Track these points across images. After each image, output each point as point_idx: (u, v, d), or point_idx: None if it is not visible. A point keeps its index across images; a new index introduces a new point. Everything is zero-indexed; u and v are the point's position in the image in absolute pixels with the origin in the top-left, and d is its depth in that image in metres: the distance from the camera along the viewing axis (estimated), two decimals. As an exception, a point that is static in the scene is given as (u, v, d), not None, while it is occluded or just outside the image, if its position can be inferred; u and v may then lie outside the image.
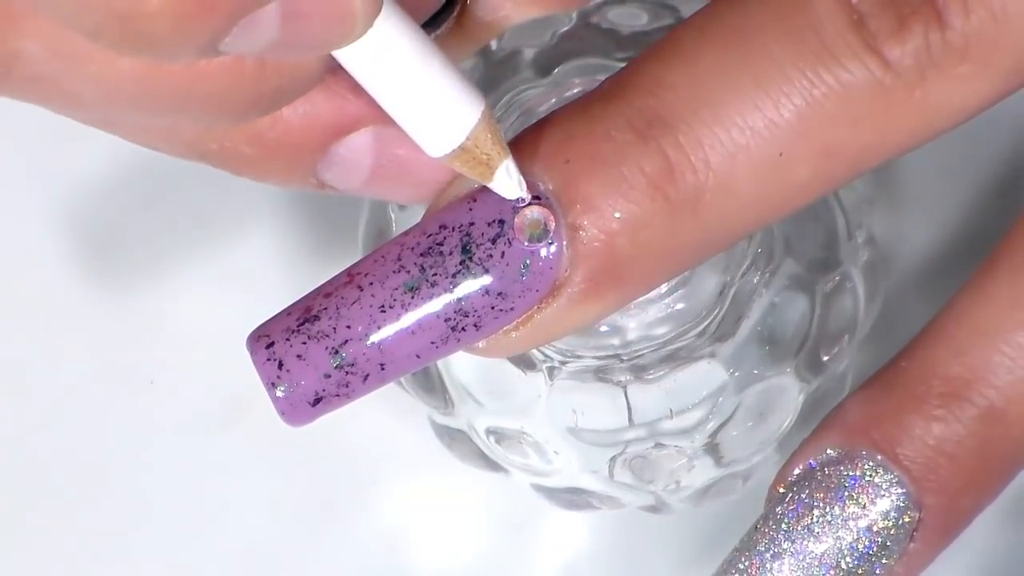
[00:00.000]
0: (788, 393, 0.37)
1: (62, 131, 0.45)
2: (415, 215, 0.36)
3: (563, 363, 0.37)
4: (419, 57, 0.28)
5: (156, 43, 0.25)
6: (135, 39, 0.24)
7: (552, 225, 0.29)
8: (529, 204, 0.29)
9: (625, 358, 0.37)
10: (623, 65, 0.31)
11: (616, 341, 0.37)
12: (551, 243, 0.29)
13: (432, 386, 0.38)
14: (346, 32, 0.26)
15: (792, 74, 0.28)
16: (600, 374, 0.37)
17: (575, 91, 0.37)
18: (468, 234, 0.29)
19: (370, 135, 0.30)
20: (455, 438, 0.40)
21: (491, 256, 0.29)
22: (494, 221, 0.29)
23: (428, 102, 0.28)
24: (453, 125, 0.28)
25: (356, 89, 0.29)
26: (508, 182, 0.29)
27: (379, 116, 0.29)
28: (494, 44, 0.37)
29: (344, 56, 0.28)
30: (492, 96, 0.37)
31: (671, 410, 0.37)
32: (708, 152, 0.29)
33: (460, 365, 0.38)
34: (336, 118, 0.30)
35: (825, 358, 0.38)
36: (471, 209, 0.30)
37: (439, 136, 0.28)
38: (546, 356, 0.37)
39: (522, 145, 0.30)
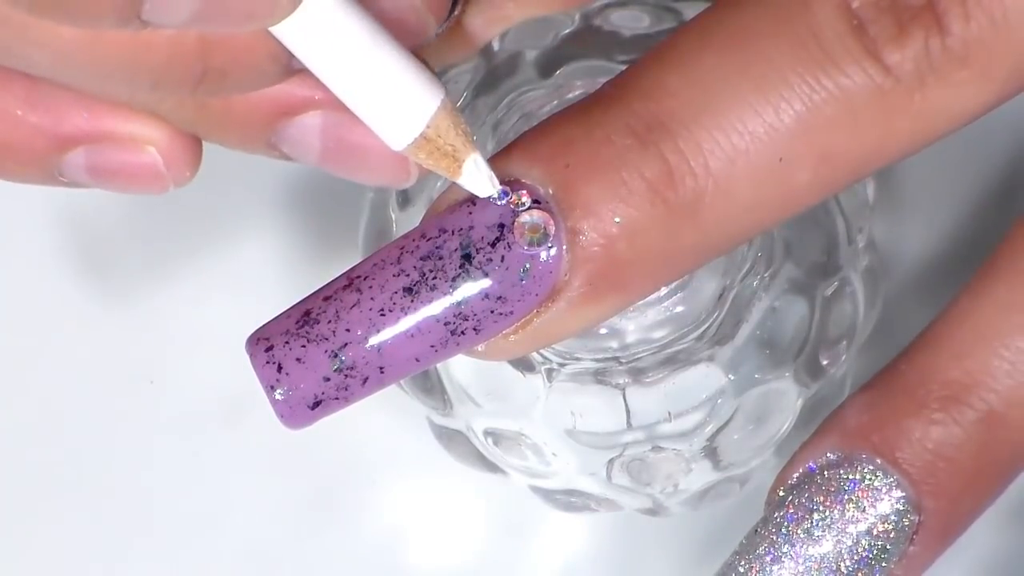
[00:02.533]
0: (787, 397, 0.37)
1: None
2: (415, 216, 0.37)
3: (562, 365, 0.37)
4: (371, 43, 0.28)
5: (72, 8, 0.25)
6: (50, 4, 0.25)
7: (552, 229, 0.29)
8: (529, 208, 0.29)
9: (624, 361, 0.37)
10: (625, 67, 0.31)
11: (615, 344, 0.37)
12: (550, 247, 0.29)
13: (431, 387, 0.38)
14: (270, 6, 0.26)
15: (792, 79, 0.28)
16: (599, 376, 0.37)
17: (577, 93, 0.37)
18: (468, 238, 0.29)
19: (319, 118, 0.30)
20: (453, 439, 0.40)
21: (491, 260, 0.29)
22: (494, 225, 0.29)
23: (382, 90, 0.28)
24: (412, 113, 0.28)
25: (307, 73, 0.28)
26: (478, 177, 0.29)
27: (330, 101, 0.29)
28: (496, 45, 0.37)
29: (293, 41, 0.27)
30: (493, 97, 0.37)
31: (669, 413, 0.37)
32: (708, 157, 0.29)
33: (459, 366, 0.38)
34: (281, 98, 0.30)
35: (824, 362, 0.38)
36: (471, 213, 0.29)
37: (398, 125, 0.28)
38: (545, 358, 0.37)
39: (521, 148, 0.30)
